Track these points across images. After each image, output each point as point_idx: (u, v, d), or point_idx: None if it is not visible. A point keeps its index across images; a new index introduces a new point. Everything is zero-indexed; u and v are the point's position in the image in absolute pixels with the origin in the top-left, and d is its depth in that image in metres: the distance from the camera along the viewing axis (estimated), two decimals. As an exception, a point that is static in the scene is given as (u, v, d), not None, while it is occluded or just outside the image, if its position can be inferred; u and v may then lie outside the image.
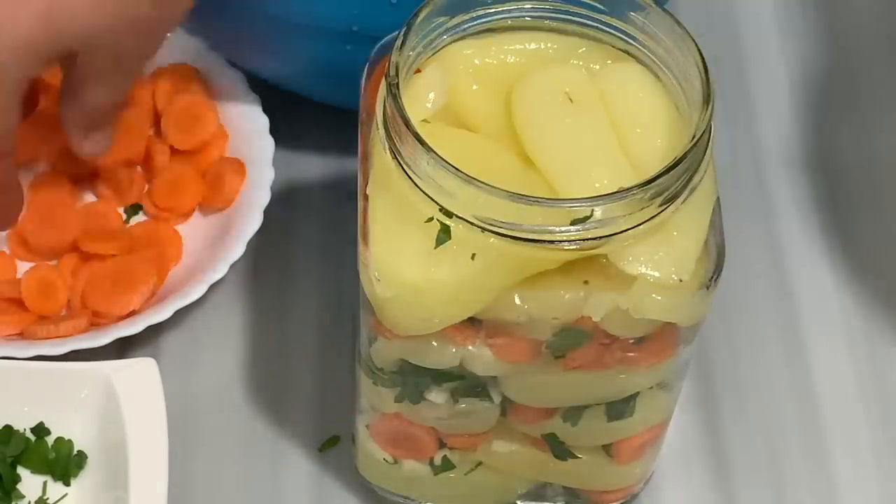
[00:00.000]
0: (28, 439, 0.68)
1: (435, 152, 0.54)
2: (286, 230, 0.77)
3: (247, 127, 0.77)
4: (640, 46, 0.58)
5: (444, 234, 0.55)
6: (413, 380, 0.60)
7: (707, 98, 0.55)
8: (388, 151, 0.56)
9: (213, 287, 0.72)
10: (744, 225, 0.78)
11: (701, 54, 0.57)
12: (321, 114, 0.79)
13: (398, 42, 0.57)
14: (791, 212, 0.79)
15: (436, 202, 0.54)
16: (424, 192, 0.54)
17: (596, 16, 0.58)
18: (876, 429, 0.72)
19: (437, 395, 0.60)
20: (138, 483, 0.64)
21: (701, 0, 0.87)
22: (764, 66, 0.85)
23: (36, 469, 0.68)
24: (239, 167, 0.75)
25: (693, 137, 0.55)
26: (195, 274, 0.72)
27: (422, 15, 0.57)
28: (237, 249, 0.72)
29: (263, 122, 0.76)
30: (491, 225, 0.54)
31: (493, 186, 0.53)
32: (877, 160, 0.82)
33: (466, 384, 0.60)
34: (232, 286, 0.75)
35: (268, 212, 0.74)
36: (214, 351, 0.73)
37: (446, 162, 0.53)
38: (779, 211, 0.79)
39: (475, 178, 0.53)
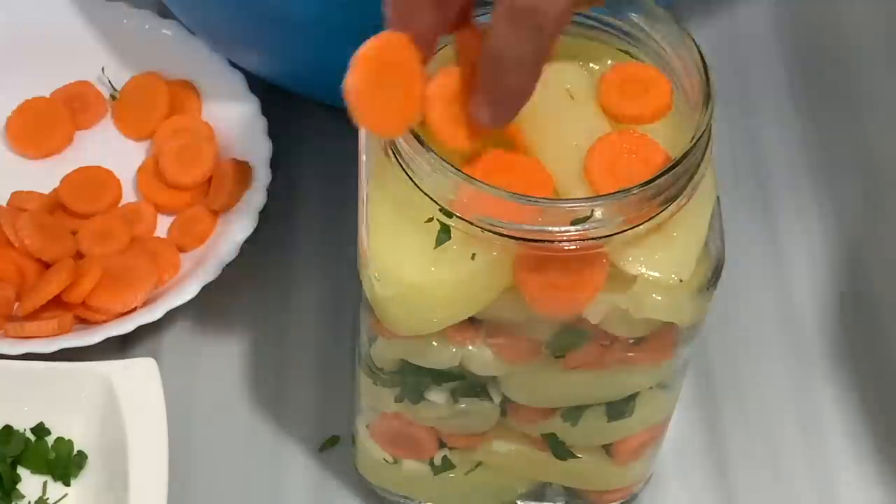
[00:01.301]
0: (28, 439, 0.68)
1: (434, 152, 0.54)
2: (286, 230, 0.77)
3: (245, 128, 0.76)
4: (640, 46, 0.58)
5: (444, 234, 0.55)
6: (413, 380, 0.60)
7: (707, 98, 0.55)
8: (388, 151, 0.56)
9: (212, 287, 0.72)
10: (744, 225, 0.78)
11: (701, 54, 0.56)
12: (321, 114, 0.79)
13: None
14: (791, 212, 0.79)
15: (436, 202, 0.54)
16: (424, 192, 0.54)
17: (596, 15, 0.58)
18: (877, 428, 0.72)
19: (437, 395, 0.60)
20: (138, 483, 0.64)
21: (701, 0, 0.87)
22: (764, 65, 0.85)
23: (36, 469, 0.67)
24: (243, 174, 0.75)
25: (693, 138, 0.55)
26: (188, 274, 0.72)
27: None
28: (231, 251, 0.72)
29: (262, 123, 0.76)
30: (491, 225, 0.54)
31: (492, 186, 0.53)
32: (877, 159, 0.82)
33: (466, 384, 0.59)
34: (232, 287, 0.74)
35: (268, 212, 0.74)
36: (214, 351, 0.73)
37: (446, 162, 0.53)
38: (779, 211, 0.79)
39: (475, 178, 0.53)
